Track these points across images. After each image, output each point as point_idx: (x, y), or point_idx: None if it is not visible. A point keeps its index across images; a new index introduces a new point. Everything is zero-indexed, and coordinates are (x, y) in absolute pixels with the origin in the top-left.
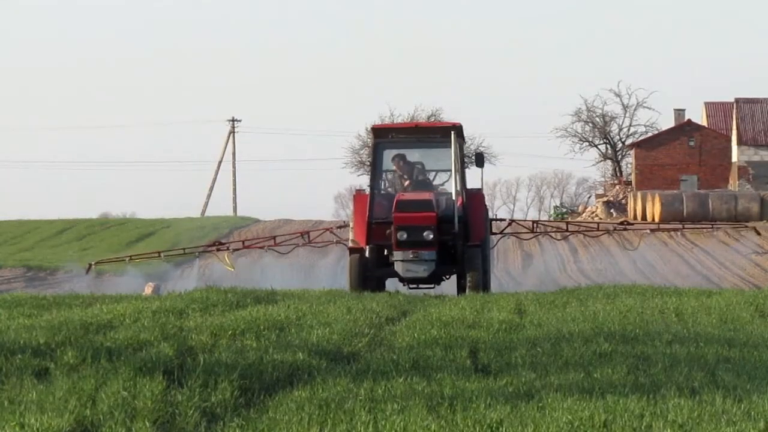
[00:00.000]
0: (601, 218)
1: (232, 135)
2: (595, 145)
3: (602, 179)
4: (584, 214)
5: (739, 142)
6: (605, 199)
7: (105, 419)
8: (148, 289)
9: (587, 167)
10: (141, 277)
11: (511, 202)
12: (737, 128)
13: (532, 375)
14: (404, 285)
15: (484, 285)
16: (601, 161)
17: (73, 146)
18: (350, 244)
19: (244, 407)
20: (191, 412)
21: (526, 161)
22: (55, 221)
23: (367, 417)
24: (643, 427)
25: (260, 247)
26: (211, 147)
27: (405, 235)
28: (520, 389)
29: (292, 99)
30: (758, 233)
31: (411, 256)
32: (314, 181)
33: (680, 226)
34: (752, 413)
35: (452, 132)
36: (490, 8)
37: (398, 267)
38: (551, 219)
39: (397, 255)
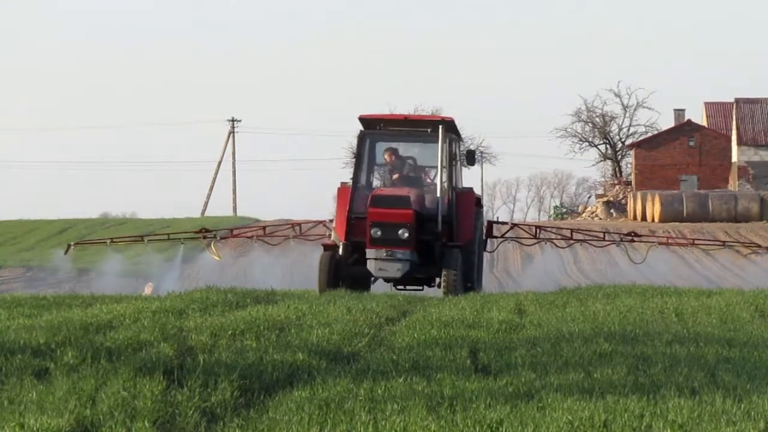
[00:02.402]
0: (600, 218)
1: (232, 135)
2: (595, 145)
3: (602, 179)
4: (584, 215)
5: (739, 142)
6: (605, 199)
7: (105, 419)
8: (147, 289)
9: (587, 167)
10: (140, 278)
11: (511, 202)
12: (737, 128)
13: (532, 375)
14: (394, 287)
15: (469, 288)
16: (601, 161)
17: (73, 146)
18: (329, 240)
19: (244, 407)
20: (191, 412)
21: (526, 161)
22: (55, 221)
23: (367, 417)
24: (643, 427)
25: (249, 237)
26: (211, 147)
27: (379, 233)
28: (520, 389)
29: (292, 99)
30: None
31: (384, 254)
32: (314, 181)
33: (690, 240)
34: (752, 413)
35: (441, 126)
36: (491, 8)
37: (371, 265)
38: (551, 219)
39: (370, 253)
